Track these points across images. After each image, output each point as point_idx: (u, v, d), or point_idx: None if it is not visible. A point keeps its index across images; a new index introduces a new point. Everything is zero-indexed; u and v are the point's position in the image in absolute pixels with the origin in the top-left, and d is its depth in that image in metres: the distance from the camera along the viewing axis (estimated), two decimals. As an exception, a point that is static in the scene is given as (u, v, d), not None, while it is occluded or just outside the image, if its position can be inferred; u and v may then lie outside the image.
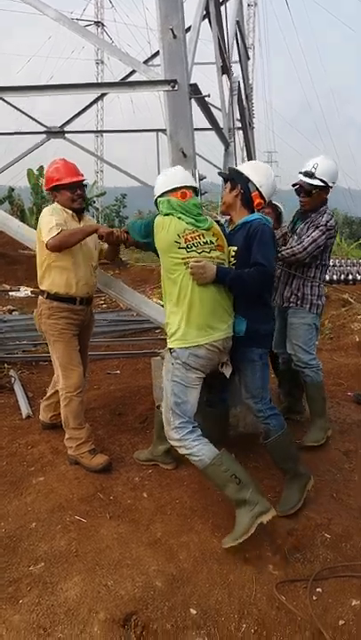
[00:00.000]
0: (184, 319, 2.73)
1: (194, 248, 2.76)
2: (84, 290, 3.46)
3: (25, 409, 4.32)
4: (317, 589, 2.40)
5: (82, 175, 3.48)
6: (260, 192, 2.89)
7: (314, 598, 2.35)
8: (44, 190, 3.65)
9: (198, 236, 2.79)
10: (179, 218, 2.79)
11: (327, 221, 3.48)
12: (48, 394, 3.91)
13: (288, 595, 2.37)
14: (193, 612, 2.27)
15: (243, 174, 2.94)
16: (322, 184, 3.52)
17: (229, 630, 2.19)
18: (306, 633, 2.18)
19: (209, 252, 2.79)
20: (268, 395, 2.96)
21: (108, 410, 4.34)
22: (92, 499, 3.07)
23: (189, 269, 2.70)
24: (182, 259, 2.74)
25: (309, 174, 3.52)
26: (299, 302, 3.63)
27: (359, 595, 2.38)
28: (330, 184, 3.55)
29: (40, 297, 3.52)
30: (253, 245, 2.77)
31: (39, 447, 3.69)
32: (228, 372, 2.93)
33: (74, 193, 3.41)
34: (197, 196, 3.05)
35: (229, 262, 2.91)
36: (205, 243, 2.80)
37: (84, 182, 3.52)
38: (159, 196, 2.95)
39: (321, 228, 3.45)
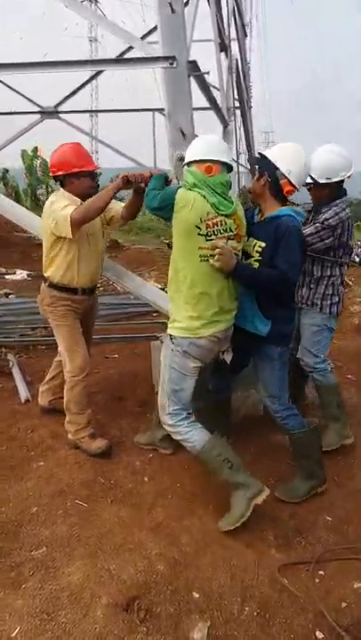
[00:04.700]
0: (189, 309, 2.61)
1: (213, 236, 2.56)
2: (87, 280, 3.38)
3: (24, 393, 4.29)
4: (320, 572, 2.41)
5: None
6: (288, 179, 2.65)
7: (316, 581, 2.36)
8: (51, 175, 3.40)
9: (220, 222, 2.58)
10: (203, 196, 2.53)
11: (325, 219, 3.18)
12: (47, 378, 3.88)
13: (291, 577, 2.38)
14: (196, 595, 2.27)
15: (269, 160, 2.68)
16: (310, 181, 3.26)
17: (232, 613, 2.19)
18: (308, 615, 2.19)
19: (226, 243, 2.60)
20: (287, 395, 2.88)
21: (107, 394, 4.32)
22: (93, 483, 3.06)
23: (216, 251, 2.52)
24: (199, 248, 2.55)
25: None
26: (309, 302, 3.44)
27: (361, 577, 2.39)
28: (320, 180, 3.24)
29: (43, 284, 3.44)
30: (280, 248, 2.60)
31: (39, 432, 3.67)
32: (228, 358, 2.87)
33: (93, 180, 3.28)
34: (229, 172, 2.72)
35: (252, 257, 2.73)
36: (225, 230, 2.60)
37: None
38: (186, 164, 2.71)
39: (317, 225, 3.19)
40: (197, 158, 2.63)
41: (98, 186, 3.39)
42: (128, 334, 6.18)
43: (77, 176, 3.21)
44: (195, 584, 2.33)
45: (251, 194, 2.90)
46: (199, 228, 2.53)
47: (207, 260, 2.57)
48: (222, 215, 2.59)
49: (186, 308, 2.62)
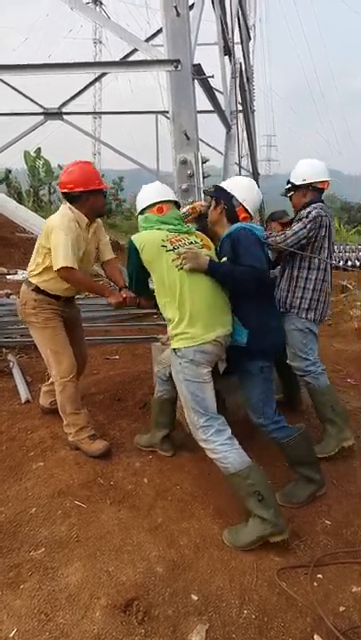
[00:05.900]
0: (187, 319, 2.65)
1: (182, 248, 2.73)
2: (71, 293, 3.49)
3: (24, 393, 4.29)
4: (318, 575, 2.41)
5: None
6: (244, 206, 2.89)
7: (315, 584, 2.36)
8: (60, 192, 3.37)
9: (182, 238, 2.80)
10: (158, 229, 2.81)
11: (309, 213, 3.32)
12: (50, 380, 3.87)
13: (289, 581, 2.37)
14: (194, 597, 2.27)
15: (225, 190, 2.93)
16: (289, 185, 3.59)
17: (231, 616, 2.19)
18: (307, 619, 2.18)
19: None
20: (272, 407, 2.85)
21: (107, 395, 4.32)
22: (93, 484, 3.06)
23: (182, 255, 2.67)
24: (173, 260, 2.70)
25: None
26: (288, 306, 3.44)
27: (360, 581, 2.39)
28: (296, 183, 3.51)
29: (24, 287, 3.48)
30: (239, 250, 2.72)
31: (39, 432, 3.67)
32: (222, 367, 2.90)
33: (105, 198, 3.34)
34: (178, 208, 3.05)
35: None
36: (191, 243, 2.80)
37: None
38: (139, 214, 3.00)
39: (303, 220, 3.31)
40: (148, 203, 2.94)
41: (106, 204, 3.43)
42: (128, 336, 6.18)
43: (94, 194, 3.27)
44: (193, 586, 2.34)
45: (210, 222, 3.07)
46: (165, 246, 2.73)
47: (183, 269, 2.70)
48: (182, 233, 2.84)
49: (184, 320, 2.66)
